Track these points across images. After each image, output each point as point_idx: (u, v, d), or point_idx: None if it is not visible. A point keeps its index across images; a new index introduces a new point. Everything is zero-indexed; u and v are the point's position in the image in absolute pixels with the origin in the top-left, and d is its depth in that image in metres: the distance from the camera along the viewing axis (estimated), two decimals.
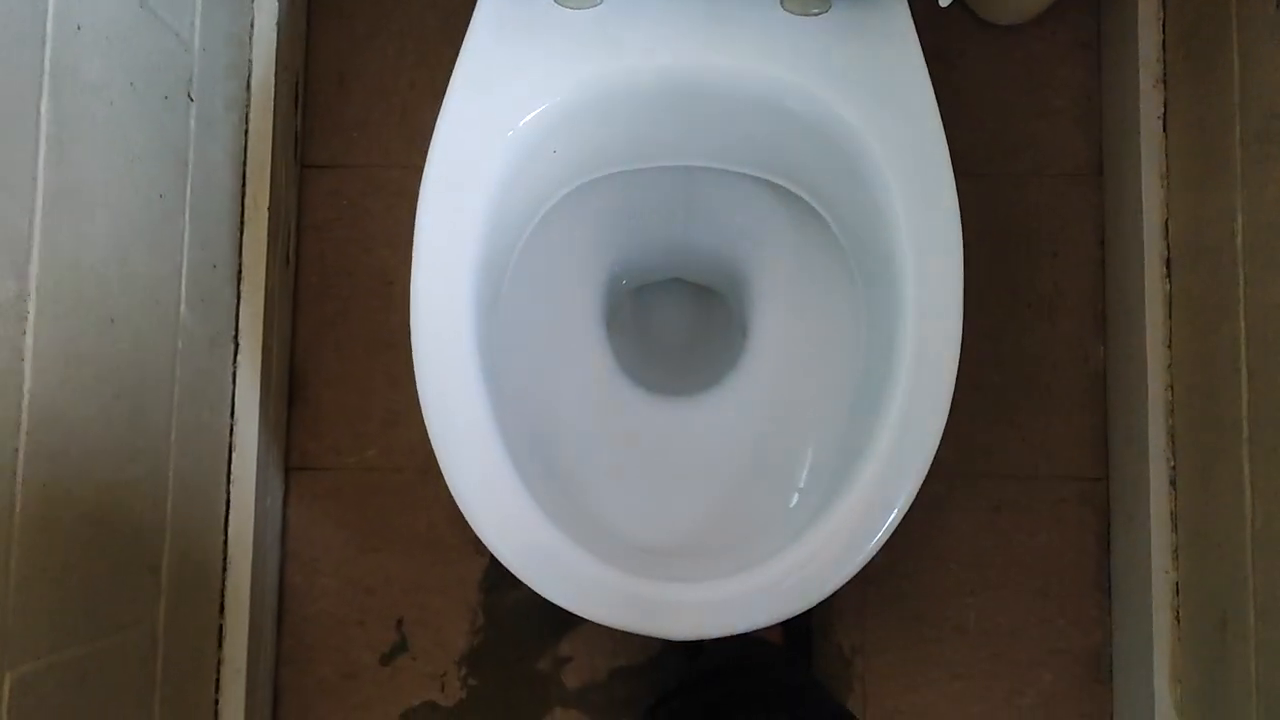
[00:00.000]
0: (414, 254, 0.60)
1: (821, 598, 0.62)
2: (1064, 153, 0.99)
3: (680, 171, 0.73)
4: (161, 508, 0.76)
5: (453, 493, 0.61)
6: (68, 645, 0.64)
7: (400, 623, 0.96)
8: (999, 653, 0.95)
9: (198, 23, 0.78)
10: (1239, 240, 0.77)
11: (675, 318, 0.88)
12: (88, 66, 0.63)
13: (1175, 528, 0.87)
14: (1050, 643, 0.95)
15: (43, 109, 0.59)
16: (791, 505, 0.71)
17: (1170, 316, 0.88)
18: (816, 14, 0.63)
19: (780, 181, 0.70)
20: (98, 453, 0.67)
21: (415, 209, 0.66)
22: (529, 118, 0.62)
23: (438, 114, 0.64)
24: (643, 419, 0.76)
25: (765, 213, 0.75)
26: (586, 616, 0.61)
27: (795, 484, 0.72)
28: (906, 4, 0.65)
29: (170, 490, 0.77)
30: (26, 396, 0.59)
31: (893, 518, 0.61)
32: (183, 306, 0.77)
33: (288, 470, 0.96)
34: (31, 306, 0.59)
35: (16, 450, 0.59)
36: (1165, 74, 0.89)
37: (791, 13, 0.63)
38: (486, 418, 0.60)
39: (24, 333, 0.59)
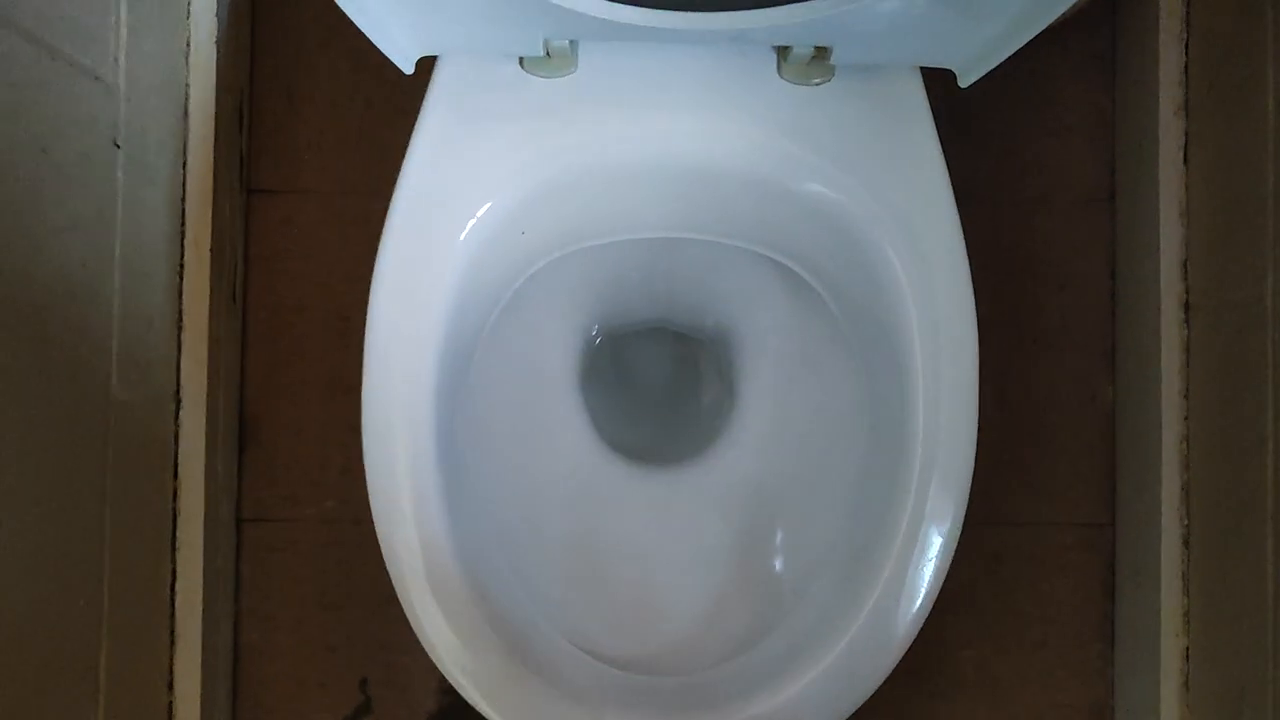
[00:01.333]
0: (364, 369, 0.53)
1: None
2: (1075, 176, 0.92)
3: (663, 240, 0.66)
4: (97, 601, 0.70)
5: (413, 627, 0.56)
6: None
7: (364, 682, 0.90)
8: (997, 707, 0.91)
9: (122, 59, 0.70)
10: (1269, 303, 0.71)
11: (657, 371, 0.82)
12: None
13: (1187, 591, 0.82)
14: (1050, 695, 0.91)
15: None
16: (790, 607, 0.65)
17: (1188, 365, 0.82)
18: (818, 84, 0.56)
19: (774, 256, 0.63)
20: (9, 571, 0.60)
21: (373, 241, 0.60)
22: (491, 205, 0.55)
23: (392, 194, 0.56)
24: (624, 500, 0.70)
25: (755, 279, 0.69)
26: None
27: (793, 582, 0.66)
28: (919, 74, 0.57)
29: (106, 580, 0.70)
30: None
31: (898, 654, 0.56)
32: (114, 381, 0.70)
33: (240, 523, 0.90)
34: None
35: None
36: (1188, 101, 0.82)
37: (790, 81, 0.56)
38: (448, 550, 0.53)
39: None
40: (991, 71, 0.89)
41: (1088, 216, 0.92)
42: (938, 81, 0.63)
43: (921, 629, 0.89)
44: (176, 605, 0.81)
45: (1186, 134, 0.82)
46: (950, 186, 0.57)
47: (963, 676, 0.91)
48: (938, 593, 0.59)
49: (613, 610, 0.65)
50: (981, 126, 0.92)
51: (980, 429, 0.90)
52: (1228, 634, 0.76)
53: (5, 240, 0.57)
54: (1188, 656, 0.82)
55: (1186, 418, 0.82)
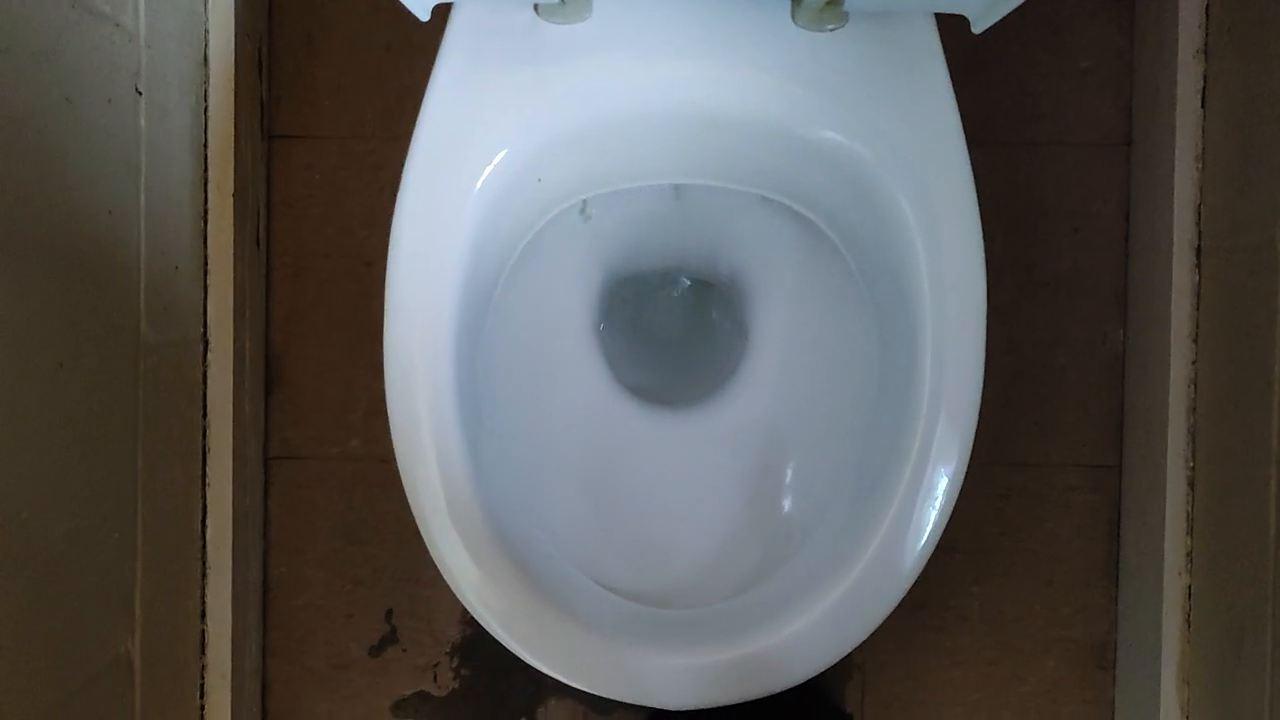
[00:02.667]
0: (386, 315, 0.55)
1: (832, 662, 0.59)
2: (1090, 119, 0.92)
3: (678, 186, 0.66)
4: (131, 536, 0.72)
5: (436, 562, 0.58)
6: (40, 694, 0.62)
7: (390, 614, 0.94)
8: (1002, 641, 0.93)
9: (141, 5, 0.70)
10: (1279, 248, 0.72)
11: (671, 315, 0.83)
12: (11, 94, 0.56)
13: (1191, 531, 0.84)
14: (1054, 630, 0.93)
15: None
16: (800, 543, 0.67)
17: (1198, 309, 0.83)
18: (832, 29, 0.56)
19: (787, 202, 0.64)
20: (49, 508, 0.63)
21: (394, 187, 0.61)
22: (508, 153, 0.56)
23: (412, 131, 0.58)
24: (639, 440, 0.72)
25: (768, 225, 0.70)
26: (576, 685, 0.58)
27: (802, 520, 0.68)
28: (933, 20, 0.57)
29: (140, 516, 0.73)
30: None
31: (903, 588, 0.58)
32: (143, 324, 0.72)
33: (267, 460, 0.93)
34: None
35: None
36: (1207, 44, 0.82)
37: (804, 28, 0.56)
38: (469, 488, 0.55)
39: None
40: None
41: (1103, 159, 0.92)
42: (953, 21, 0.63)
43: (931, 565, 0.91)
44: (208, 540, 0.84)
45: (1205, 77, 0.82)
46: (962, 133, 0.57)
47: (970, 612, 0.93)
48: (943, 529, 0.60)
49: (628, 546, 0.68)
50: (997, 68, 0.91)
51: (991, 370, 0.91)
52: (1229, 574, 0.78)
53: (32, 187, 0.59)
54: (1190, 595, 0.84)
55: (1194, 361, 0.83)
